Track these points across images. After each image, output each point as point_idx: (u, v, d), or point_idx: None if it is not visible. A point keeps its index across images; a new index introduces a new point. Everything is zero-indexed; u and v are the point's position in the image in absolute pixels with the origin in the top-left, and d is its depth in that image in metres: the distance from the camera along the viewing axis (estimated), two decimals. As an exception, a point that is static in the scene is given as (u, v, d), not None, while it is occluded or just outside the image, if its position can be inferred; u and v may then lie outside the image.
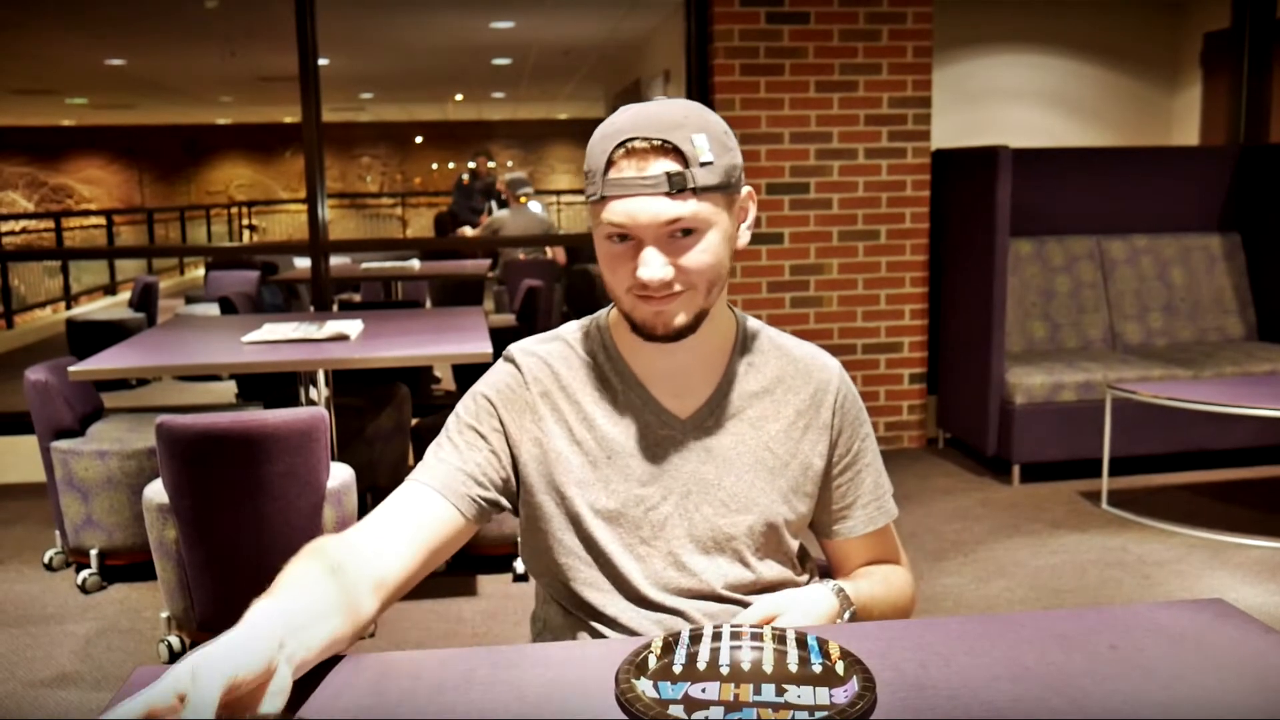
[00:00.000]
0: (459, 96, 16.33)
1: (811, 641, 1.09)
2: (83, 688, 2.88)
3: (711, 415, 1.33)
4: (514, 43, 9.72)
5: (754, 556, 1.32)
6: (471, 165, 11.09)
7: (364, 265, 7.41)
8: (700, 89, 4.97)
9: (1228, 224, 5.28)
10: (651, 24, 8.05)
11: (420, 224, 19.71)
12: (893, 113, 4.96)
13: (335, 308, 6.08)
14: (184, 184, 21.54)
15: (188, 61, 10.99)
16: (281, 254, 9.21)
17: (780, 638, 1.11)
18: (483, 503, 1.29)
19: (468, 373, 4.85)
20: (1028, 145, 4.98)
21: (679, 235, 1.20)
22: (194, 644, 2.96)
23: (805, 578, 1.40)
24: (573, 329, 1.38)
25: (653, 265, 1.19)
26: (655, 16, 7.72)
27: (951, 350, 5.07)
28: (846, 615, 1.29)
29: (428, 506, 1.26)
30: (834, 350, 1.48)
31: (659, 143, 1.18)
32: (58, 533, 3.67)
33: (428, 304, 7.37)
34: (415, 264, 7.69)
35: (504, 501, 1.32)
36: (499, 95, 15.81)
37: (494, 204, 9.51)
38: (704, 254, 1.21)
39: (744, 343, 1.37)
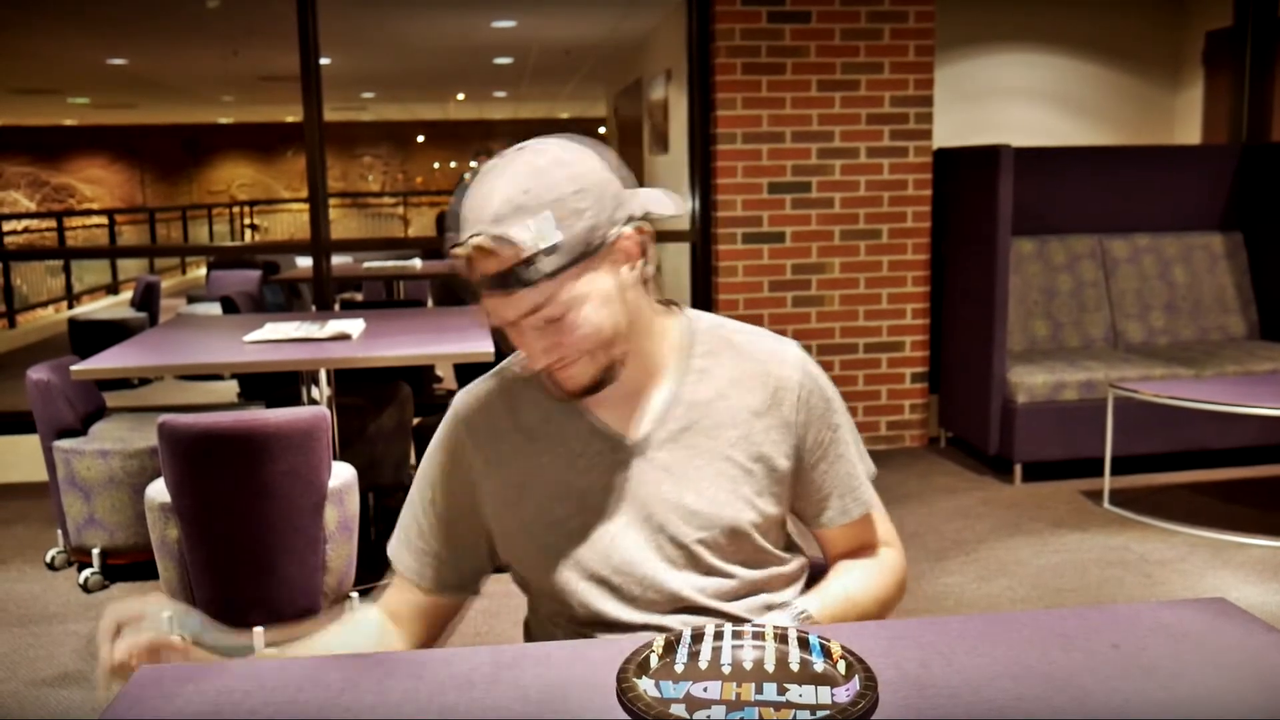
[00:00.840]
0: (460, 95, 16.33)
1: (813, 640, 1.09)
2: (85, 687, 2.88)
3: (664, 431, 1.29)
4: (515, 42, 9.71)
5: (728, 564, 1.30)
6: (473, 164, 11.10)
7: (366, 264, 7.42)
8: (702, 88, 4.98)
9: (1230, 223, 5.27)
10: (653, 23, 8.04)
11: (422, 223, 19.72)
12: (894, 111, 4.96)
13: (337, 307, 6.09)
14: (186, 183, 21.56)
15: (189, 61, 10.98)
16: (283, 253, 9.22)
17: (782, 637, 1.11)
18: (468, 575, 1.37)
19: (470, 372, 4.84)
20: (1029, 144, 4.97)
21: (548, 319, 1.17)
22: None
23: (794, 565, 1.37)
24: (516, 362, 1.35)
25: (533, 354, 1.21)
26: (656, 15, 7.71)
27: (953, 349, 5.06)
28: None
29: (418, 602, 1.36)
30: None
31: (492, 241, 1.13)
32: (60, 532, 3.67)
33: (429, 303, 7.37)
34: (417, 263, 7.70)
35: (486, 564, 1.37)
36: (500, 94, 15.80)
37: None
38: (582, 326, 1.18)
39: (692, 349, 1.32)
